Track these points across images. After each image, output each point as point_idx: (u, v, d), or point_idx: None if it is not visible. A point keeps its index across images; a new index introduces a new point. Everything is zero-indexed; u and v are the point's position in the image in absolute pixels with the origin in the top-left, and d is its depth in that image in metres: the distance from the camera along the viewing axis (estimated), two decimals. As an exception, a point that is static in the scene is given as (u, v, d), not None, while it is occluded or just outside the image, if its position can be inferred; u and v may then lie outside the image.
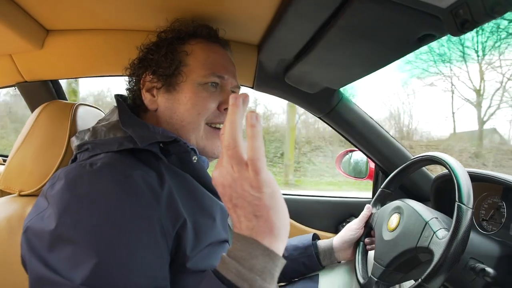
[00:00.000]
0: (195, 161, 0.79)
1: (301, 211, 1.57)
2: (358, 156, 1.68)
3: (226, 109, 0.86)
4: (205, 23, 0.91)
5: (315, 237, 1.21)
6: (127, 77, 0.92)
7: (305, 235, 1.23)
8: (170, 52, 0.85)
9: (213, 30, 0.91)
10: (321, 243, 1.18)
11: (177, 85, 0.83)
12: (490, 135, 8.64)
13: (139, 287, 0.58)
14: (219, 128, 0.87)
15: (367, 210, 1.16)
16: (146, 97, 0.85)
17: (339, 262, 1.16)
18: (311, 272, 1.17)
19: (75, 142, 0.79)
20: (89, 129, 0.80)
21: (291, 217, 1.55)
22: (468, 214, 0.77)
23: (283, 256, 1.12)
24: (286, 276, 1.17)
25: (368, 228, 1.13)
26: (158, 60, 0.84)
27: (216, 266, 0.70)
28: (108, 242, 0.58)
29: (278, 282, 1.11)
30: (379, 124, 1.37)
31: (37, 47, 1.04)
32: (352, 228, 1.15)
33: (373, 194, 1.57)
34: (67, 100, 1.36)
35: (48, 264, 0.56)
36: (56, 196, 0.63)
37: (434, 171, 1.39)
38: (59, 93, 1.39)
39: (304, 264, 1.15)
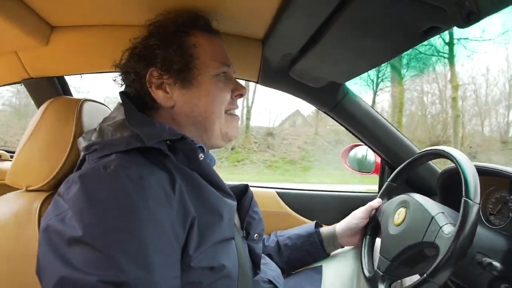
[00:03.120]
0: (201, 158, 0.80)
1: (306, 205, 1.57)
2: (364, 150, 1.67)
3: (237, 95, 0.92)
4: (200, 14, 0.91)
5: (318, 225, 1.22)
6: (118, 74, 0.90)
7: (308, 223, 1.24)
8: (180, 47, 0.83)
9: (208, 21, 0.92)
10: (324, 230, 1.19)
11: (193, 79, 0.84)
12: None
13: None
14: (234, 114, 0.93)
15: (376, 201, 1.15)
16: (159, 95, 0.83)
17: (343, 247, 1.18)
18: (316, 260, 1.18)
19: (82, 143, 0.80)
20: (95, 129, 0.80)
21: (296, 211, 1.56)
22: (474, 210, 0.76)
23: (287, 245, 1.13)
24: (291, 266, 1.18)
25: (375, 222, 1.13)
26: (167, 55, 0.82)
27: (222, 262, 0.72)
28: (127, 246, 0.59)
29: (284, 273, 1.13)
30: (385, 118, 1.36)
31: (42, 44, 1.05)
32: (357, 217, 1.15)
33: (379, 189, 1.57)
34: (72, 96, 1.37)
35: (69, 262, 0.57)
36: (74, 200, 0.64)
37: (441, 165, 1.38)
38: (64, 89, 1.40)
39: (308, 252, 1.16)
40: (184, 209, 0.69)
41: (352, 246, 1.19)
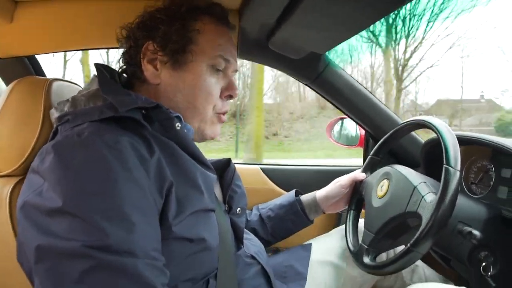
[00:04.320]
0: (178, 128, 0.77)
1: (291, 180, 1.57)
2: (349, 123, 1.66)
3: (227, 96, 0.88)
4: (220, 2, 0.88)
5: (298, 193, 1.23)
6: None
7: (288, 193, 1.24)
8: (182, 27, 0.81)
9: (225, 11, 0.89)
10: (304, 197, 1.20)
11: (184, 64, 0.82)
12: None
13: (142, 253, 0.58)
14: (221, 116, 0.90)
15: (360, 174, 1.15)
16: (148, 68, 0.82)
17: (324, 213, 1.19)
18: (300, 228, 1.20)
19: (54, 114, 0.78)
20: (68, 99, 0.78)
21: (280, 186, 1.55)
22: (456, 176, 0.75)
23: (270, 216, 1.13)
24: (276, 237, 1.19)
25: (358, 196, 1.13)
26: (168, 32, 0.80)
27: (202, 234, 0.70)
28: (108, 210, 0.58)
29: (271, 245, 1.14)
30: (368, 89, 1.34)
31: (6, 21, 0.98)
32: (338, 185, 1.16)
33: (364, 161, 1.57)
34: (45, 76, 1.31)
35: (51, 232, 0.56)
36: (49, 170, 0.62)
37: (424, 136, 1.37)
38: (36, 69, 1.34)
39: (292, 220, 1.17)
40: (160, 175, 0.68)
41: (341, 228, 1.20)
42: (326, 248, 1.14)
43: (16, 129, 0.82)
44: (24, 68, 1.29)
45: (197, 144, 0.84)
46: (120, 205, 0.59)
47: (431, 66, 13.14)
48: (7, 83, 1.32)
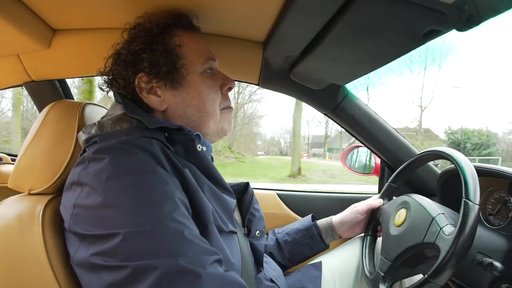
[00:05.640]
0: (199, 149, 0.81)
1: (306, 206, 1.57)
2: (364, 152, 1.68)
3: (227, 89, 0.92)
4: (183, 12, 0.91)
5: (314, 218, 1.24)
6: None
7: (305, 217, 1.25)
8: (165, 48, 0.83)
9: (189, 19, 0.92)
10: (321, 222, 1.21)
11: (182, 80, 0.84)
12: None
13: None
14: (228, 108, 0.93)
15: (376, 201, 1.17)
16: (151, 99, 0.83)
17: (341, 237, 1.20)
18: (316, 253, 1.20)
19: (82, 136, 0.80)
20: (94, 123, 0.81)
21: (296, 212, 1.56)
22: (475, 211, 0.76)
23: (287, 241, 1.13)
24: (292, 261, 1.19)
25: (375, 222, 1.14)
26: (153, 58, 0.81)
27: (228, 256, 0.73)
28: (156, 201, 0.63)
29: (286, 269, 1.14)
30: (384, 120, 1.37)
31: (44, 47, 1.05)
32: (355, 211, 1.17)
33: (379, 190, 1.57)
34: (74, 99, 1.37)
35: (98, 225, 0.61)
36: (96, 173, 0.66)
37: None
38: (66, 93, 1.40)
39: (309, 245, 1.18)
40: (184, 188, 0.72)
41: (350, 243, 1.21)
42: (338, 268, 1.13)
43: (50, 150, 0.86)
44: (55, 91, 1.35)
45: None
46: (163, 208, 0.62)
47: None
48: (38, 105, 1.38)
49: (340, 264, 1.14)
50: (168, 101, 0.84)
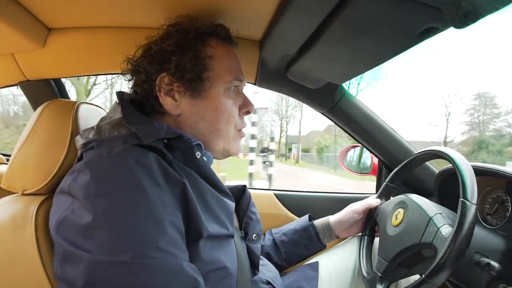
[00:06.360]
0: (198, 156, 0.79)
1: (304, 207, 1.57)
2: (362, 151, 1.68)
3: (245, 112, 0.90)
4: (222, 23, 0.89)
5: (311, 218, 1.23)
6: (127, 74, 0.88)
7: (302, 217, 1.25)
8: (195, 56, 0.81)
9: (229, 31, 0.90)
10: (318, 222, 1.21)
11: (203, 91, 0.82)
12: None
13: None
14: (242, 131, 0.92)
15: (374, 201, 1.16)
16: (167, 101, 0.82)
17: (338, 237, 1.20)
18: (313, 253, 1.20)
19: (80, 140, 0.79)
20: (93, 127, 0.80)
21: (294, 213, 1.56)
22: (472, 210, 0.76)
23: (284, 241, 1.14)
24: (289, 261, 1.19)
25: (372, 223, 1.13)
26: (181, 62, 0.80)
27: (223, 261, 0.73)
28: (143, 227, 0.60)
29: (283, 270, 1.14)
30: (382, 119, 1.37)
31: (39, 46, 1.04)
32: (352, 210, 1.17)
33: (377, 190, 1.57)
34: (69, 98, 1.36)
35: (78, 246, 0.59)
36: (83, 187, 0.64)
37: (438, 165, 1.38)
38: (61, 92, 1.39)
39: (306, 245, 1.18)
40: (183, 196, 0.70)
41: (347, 243, 1.21)
42: (334, 268, 1.13)
43: (44, 150, 0.85)
44: (51, 90, 1.34)
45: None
46: (152, 223, 0.61)
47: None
48: (33, 104, 1.37)
49: (337, 264, 1.14)
50: (183, 108, 0.83)
